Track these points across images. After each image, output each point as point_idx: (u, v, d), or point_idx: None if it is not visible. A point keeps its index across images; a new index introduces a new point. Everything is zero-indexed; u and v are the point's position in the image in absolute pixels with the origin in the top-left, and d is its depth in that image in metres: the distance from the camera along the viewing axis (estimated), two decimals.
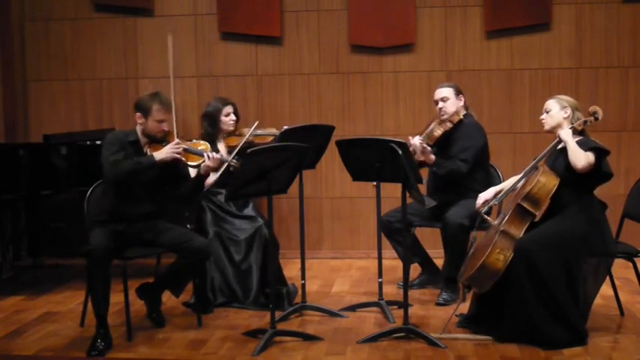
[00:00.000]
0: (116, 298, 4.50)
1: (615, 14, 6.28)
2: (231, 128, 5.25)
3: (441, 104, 5.14)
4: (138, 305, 4.77)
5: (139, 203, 4.42)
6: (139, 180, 4.36)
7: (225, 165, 4.64)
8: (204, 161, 4.47)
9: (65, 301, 5.25)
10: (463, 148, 5.04)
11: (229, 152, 5.01)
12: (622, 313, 4.66)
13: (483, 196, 4.55)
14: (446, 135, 5.07)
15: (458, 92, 5.15)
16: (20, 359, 4.17)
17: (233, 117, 5.25)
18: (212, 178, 4.89)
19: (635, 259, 4.52)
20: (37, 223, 6.17)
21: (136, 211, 4.41)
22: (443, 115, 5.13)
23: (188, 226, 5.05)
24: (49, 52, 6.68)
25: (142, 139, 4.44)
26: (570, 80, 6.29)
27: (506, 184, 4.56)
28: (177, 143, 4.39)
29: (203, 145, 4.59)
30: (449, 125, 5.07)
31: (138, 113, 4.42)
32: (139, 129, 4.45)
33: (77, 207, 4.77)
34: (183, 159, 4.42)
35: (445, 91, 5.15)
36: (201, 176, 4.52)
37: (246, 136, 4.94)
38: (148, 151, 4.42)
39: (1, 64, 6.51)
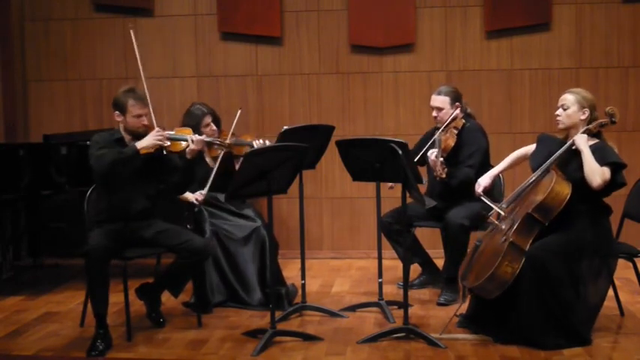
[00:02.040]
0: (116, 298, 4.50)
1: (615, 14, 6.29)
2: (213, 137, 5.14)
3: (435, 113, 5.14)
4: (138, 305, 4.77)
5: (132, 201, 4.42)
6: (127, 174, 4.35)
7: (215, 146, 4.75)
8: (188, 145, 4.49)
9: (65, 301, 5.25)
10: (469, 154, 5.02)
11: (215, 161, 5.06)
12: (622, 313, 4.66)
13: (482, 182, 4.52)
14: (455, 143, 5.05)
15: (454, 100, 5.12)
16: (20, 359, 4.17)
17: (213, 126, 5.16)
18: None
19: (635, 259, 4.52)
20: (37, 223, 6.16)
21: (131, 209, 4.41)
22: (437, 123, 5.13)
23: (188, 226, 5.05)
24: (49, 52, 6.68)
25: (126, 137, 4.45)
26: (570, 80, 6.28)
27: (503, 166, 4.58)
28: (158, 131, 4.36)
29: (186, 131, 4.65)
30: (455, 132, 5.03)
31: (116, 112, 4.43)
32: (121, 127, 4.47)
33: (77, 207, 4.77)
34: (168, 145, 4.40)
35: (439, 101, 5.12)
36: (190, 161, 4.51)
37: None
38: None
39: (1, 64, 6.51)
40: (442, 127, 5.05)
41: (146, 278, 4.79)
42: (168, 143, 4.39)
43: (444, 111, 5.11)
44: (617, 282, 4.68)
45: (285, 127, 4.91)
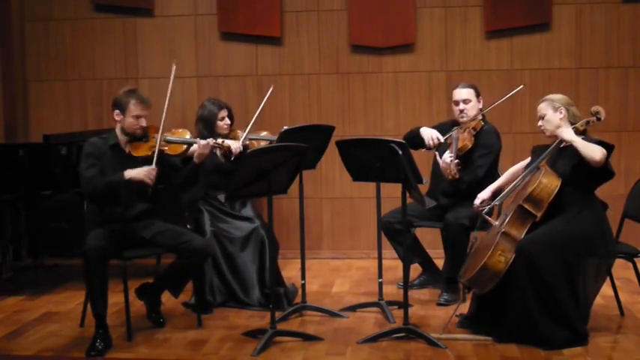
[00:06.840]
0: (116, 299, 4.50)
1: (615, 14, 6.29)
2: (226, 132, 5.21)
3: (462, 106, 5.03)
4: (138, 305, 4.77)
5: (132, 204, 4.41)
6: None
7: (218, 147, 4.67)
8: (187, 149, 4.46)
9: (65, 301, 5.25)
10: (482, 155, 4.99)
11: (224, 155, 5.06)
12: (622, 313, 4.66)
13: (481, 196, 4.54)
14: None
15: (478, 94, 5.09)
16: (20, 359, 4.17)
17: (227, 121, 5.19)
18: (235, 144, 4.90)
19: (635, 259, 4.52)
20: (37, 223, 6.17)
21: (131, 212, 4.41)
22: (462, 118, 5.04)
23: (188, 226, 5.05)
24: (49, 52, 6.69)
25: (122, 139, 4.43)
26: (570, 80, 6.29)
27: (502, 181, 4.54)
28: (153, 169, 4.28)
29: (183, 132, 4.59)
30: (473, 133, 4.97)
31: (116, 111, 4.42)
32: (118, 129, 4.45)
33: (77, 207, 4.78)
34: (166, 150, 4.38)
35: (467, 93, 5.04)
36: (198, 166, 4.48)
37: (242, 138, 5.02)
38: (130, 150, 4.41)
39: (1, 64, 6.51)
40: (464, 119, 5.00)
41: (146, 278, 4.79)
42: (150, 181, 4.28)
43: (471, 103, 5.03)
44: (617, 282, 4.69)
45: (285, 128, 4.91)
